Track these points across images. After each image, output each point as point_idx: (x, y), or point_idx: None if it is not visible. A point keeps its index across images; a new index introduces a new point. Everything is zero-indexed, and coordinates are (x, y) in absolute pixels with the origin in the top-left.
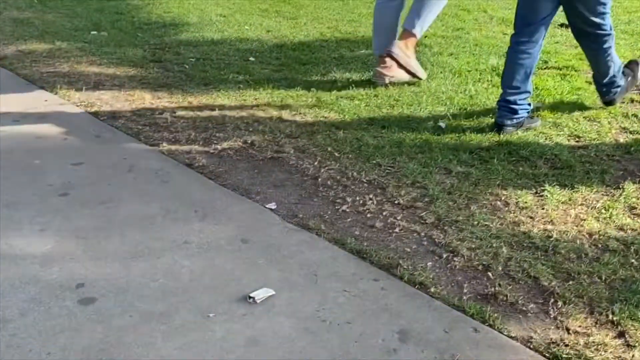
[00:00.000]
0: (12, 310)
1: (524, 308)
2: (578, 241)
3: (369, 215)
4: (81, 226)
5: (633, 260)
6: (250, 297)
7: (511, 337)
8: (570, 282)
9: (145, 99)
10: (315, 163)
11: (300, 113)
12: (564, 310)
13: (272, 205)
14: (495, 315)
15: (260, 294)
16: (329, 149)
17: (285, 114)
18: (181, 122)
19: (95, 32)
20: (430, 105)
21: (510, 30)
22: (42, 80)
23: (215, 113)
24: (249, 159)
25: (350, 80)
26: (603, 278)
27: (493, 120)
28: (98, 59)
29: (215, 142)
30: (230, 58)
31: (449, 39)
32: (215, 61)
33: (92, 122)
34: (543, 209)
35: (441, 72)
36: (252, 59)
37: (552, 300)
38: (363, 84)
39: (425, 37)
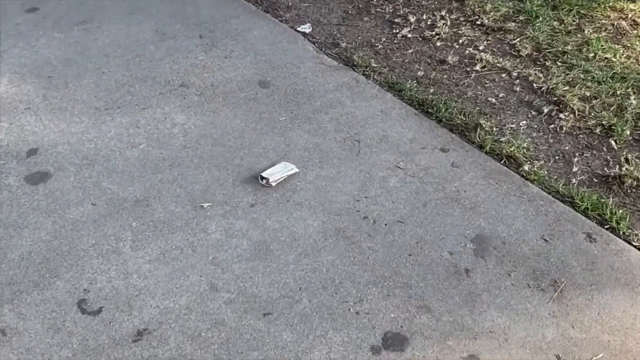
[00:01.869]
0: None
1: None
2: None
3: (439, 43)
4: (47, 58)
5: None
6: (262, 178)
7: None
8: None
9: None
10: None
11: None
12: None
13: (306, 28)
14: (621, 212)
15: (276, 173)
16: None
17: None
18: None
19: None
20: None
21: None
22: None
23: None
24: None
25: None
26: None
27: None
28: None
29: None
30: None
31: None
32: None
33: None
34: None
35: None
36: None
37: None
38: None
39: None
